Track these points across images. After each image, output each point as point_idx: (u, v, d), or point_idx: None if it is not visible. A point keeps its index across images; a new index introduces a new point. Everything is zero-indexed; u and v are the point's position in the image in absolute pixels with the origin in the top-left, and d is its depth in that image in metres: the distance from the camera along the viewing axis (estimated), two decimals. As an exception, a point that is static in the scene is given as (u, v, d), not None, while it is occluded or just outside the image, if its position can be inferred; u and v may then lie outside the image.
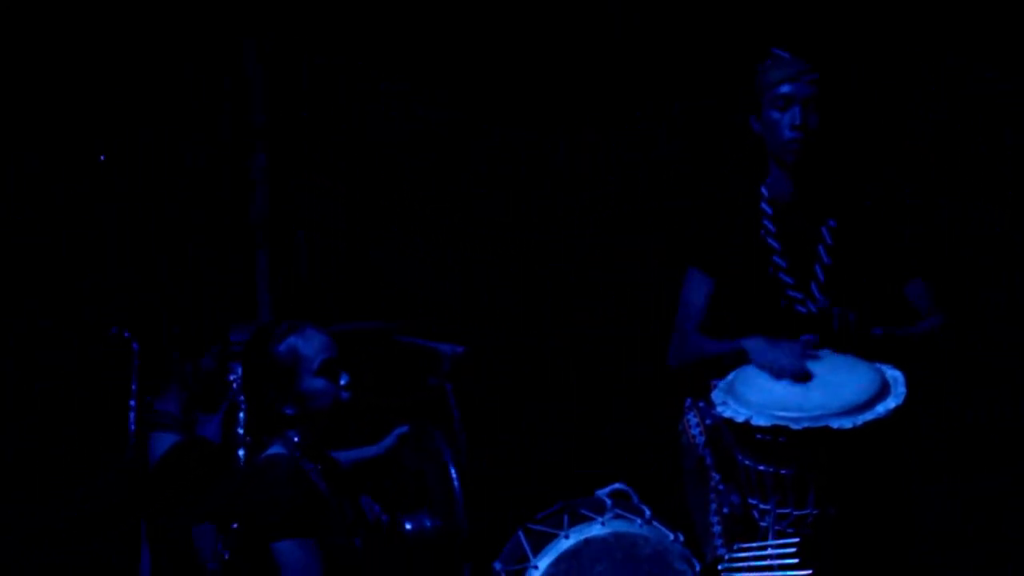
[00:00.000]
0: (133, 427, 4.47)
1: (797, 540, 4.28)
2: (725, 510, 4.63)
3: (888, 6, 6.17)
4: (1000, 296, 6.30)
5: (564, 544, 4.53)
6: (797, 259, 4.67)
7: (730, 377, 4.46)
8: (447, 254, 6.61)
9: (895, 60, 6.27)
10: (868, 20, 6.21)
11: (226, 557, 3.91)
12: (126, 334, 4.57)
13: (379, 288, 6.57)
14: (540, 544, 4.53)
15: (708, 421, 4.73)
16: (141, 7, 6.23)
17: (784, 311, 4.65)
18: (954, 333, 4.67)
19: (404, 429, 4.75)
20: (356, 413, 4.18)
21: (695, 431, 4.79)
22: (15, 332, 6.07)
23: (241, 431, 3.98)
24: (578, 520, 4.57)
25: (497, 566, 4.62)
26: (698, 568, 4.61)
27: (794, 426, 4.22)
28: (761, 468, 4.31)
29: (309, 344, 4.17)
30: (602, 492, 4.65)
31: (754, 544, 4.33)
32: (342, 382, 4.18)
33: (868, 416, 4.22)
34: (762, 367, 4.43)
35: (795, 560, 4.26)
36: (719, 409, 4.34)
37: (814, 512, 4.31)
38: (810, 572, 4.24)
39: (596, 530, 4.54)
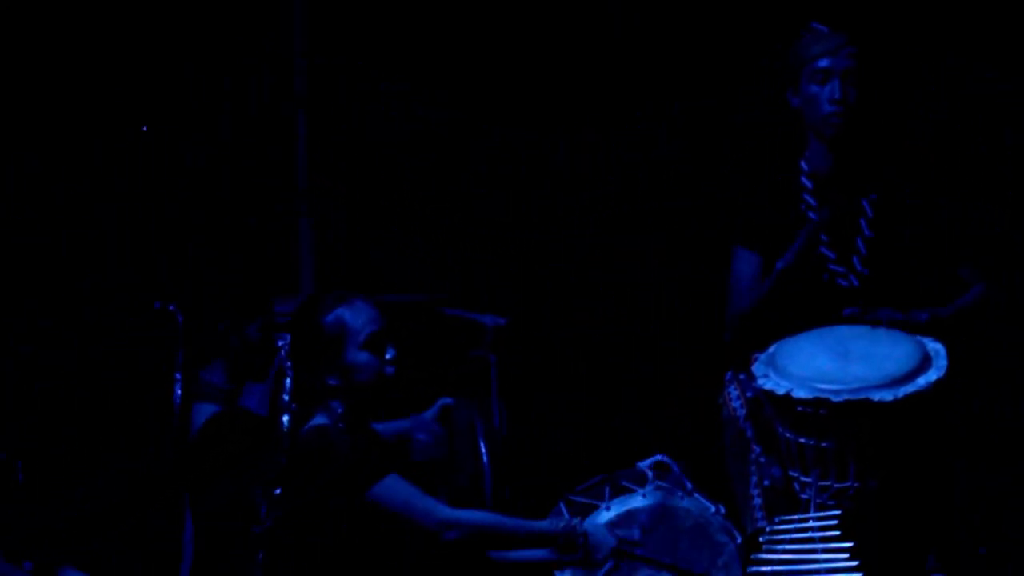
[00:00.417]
0: (178, 399, 4.44)
1: (839, 513, 4.26)
2: (766, 483, 4.61)
3: (888, 6, 6.19)
4: (1000, 296, 6.31)
5: (605, 516, 4.53)
6: (838, 233, 4.69)
7: (771, 349, 4.43)
8: (447, 254, 6.57)
9: (895, 60, 6.29)
10: (868, 20, 6.23)
11: (268, 524, 3.85)
12: (171, 307, 4.53)
13: (379, 288, 6.51)
14: (581, 516, 4.49)
15: (749, 394, 4.72)
16: (142, 7, 6.20)
17: (826, 285, 4.66)
18: (998, 297, 4.68)
19: (448, 401, 4.70)
20: (399, 386, 4.14)
21: (736, 404, 4.77)
22: (15, 332, 5.99)
23: (287, 398, 3.93)
24: (619, 492, 4.58)
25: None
26: (739, 540, 4.60)
27: (834, 398, 4.19)
28: (802, 440, 4.28)
29: (357, 316, 4.13)
30: (643, 464, 4.64)
31: (795, 517, 4.31)
32: (388, 356, 4.14)
33: (909, 388, 4.20)
34: None
35: (837, 533, 4.24)
36: (760, 381, 4.31)
37: (855, 485, 4.28)
38: (851, 545, 4.21)
39: (637, 502, 4.55)
